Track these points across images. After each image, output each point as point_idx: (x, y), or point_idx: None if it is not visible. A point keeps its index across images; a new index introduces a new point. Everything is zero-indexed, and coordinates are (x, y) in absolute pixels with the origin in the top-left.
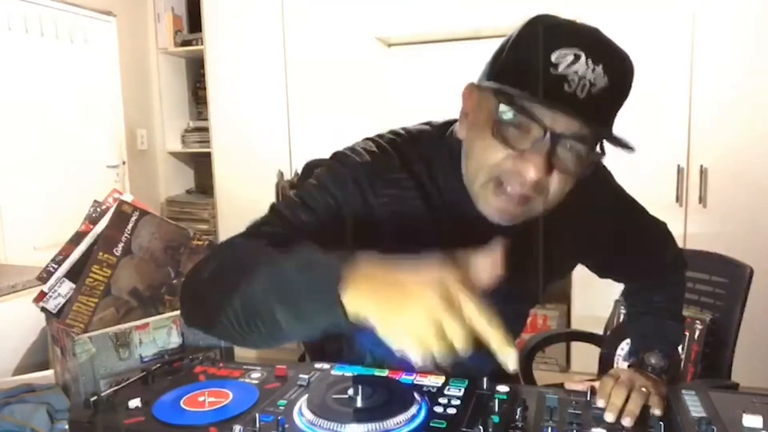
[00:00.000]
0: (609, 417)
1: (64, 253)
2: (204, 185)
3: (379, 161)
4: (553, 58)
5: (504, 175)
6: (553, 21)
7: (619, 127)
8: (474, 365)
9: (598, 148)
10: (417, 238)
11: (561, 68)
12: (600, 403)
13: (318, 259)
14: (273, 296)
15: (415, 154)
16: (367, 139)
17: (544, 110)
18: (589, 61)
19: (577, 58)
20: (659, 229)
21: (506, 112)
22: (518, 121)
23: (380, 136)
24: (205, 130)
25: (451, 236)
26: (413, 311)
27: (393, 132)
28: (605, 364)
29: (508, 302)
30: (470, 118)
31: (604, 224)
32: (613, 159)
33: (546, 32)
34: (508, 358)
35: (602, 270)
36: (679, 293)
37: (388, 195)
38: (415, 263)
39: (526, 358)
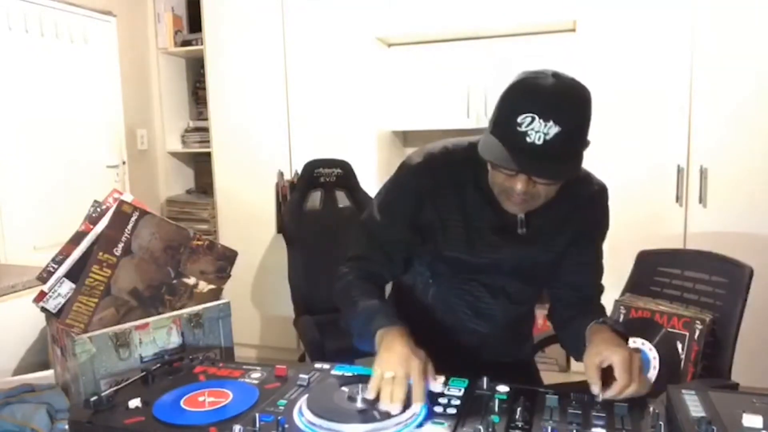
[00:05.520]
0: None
1: (64, 253)
2: (204, 185)
3: (440, 167)
4: (519, 119)
5: (505, 188)
6: (522, 88)
7: (620, 127)
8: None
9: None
10: (471, 221)
11: (523, 127)
12: (629, 391)
13: (372, 319)
14: (350, 326)
15: (462, 163)
16: (432, 146)
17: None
18: (541, 120)
19: (533, 119)
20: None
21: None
22: None
23: (440, 144)
24: (205, 130)
25: (490, 219)
26: (388, 366)
27: (448, 143)
28: None
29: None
30: None
31: (582, 220)
32: (614, 159)
33: (516, 99)
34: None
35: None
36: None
37: (445, 192)
38: (408, 350)
39: None
